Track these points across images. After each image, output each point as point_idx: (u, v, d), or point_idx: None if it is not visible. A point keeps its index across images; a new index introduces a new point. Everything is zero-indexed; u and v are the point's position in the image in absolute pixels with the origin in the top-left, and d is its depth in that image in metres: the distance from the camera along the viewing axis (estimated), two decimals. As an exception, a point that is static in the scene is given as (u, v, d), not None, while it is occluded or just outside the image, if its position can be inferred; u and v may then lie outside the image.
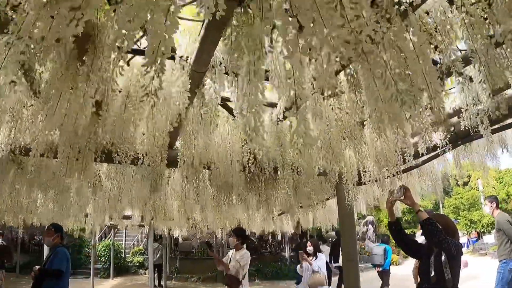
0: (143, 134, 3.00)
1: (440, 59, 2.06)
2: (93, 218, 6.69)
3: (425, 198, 27.58)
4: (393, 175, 3.26)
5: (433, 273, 2.96)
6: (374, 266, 10.10)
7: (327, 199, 4.76)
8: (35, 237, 18.75)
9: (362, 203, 5.62)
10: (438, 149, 2.84)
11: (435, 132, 2.86)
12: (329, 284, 7.46)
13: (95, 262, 18.31)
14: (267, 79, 1.81)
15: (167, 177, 4.24)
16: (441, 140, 2.80)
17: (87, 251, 19.66)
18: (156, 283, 14.91)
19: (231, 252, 6.28)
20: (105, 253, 18.71)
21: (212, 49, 1.82)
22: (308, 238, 11.96)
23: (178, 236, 10.46)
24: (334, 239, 13.80)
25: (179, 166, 2.72)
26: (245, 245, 6.37)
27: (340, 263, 12.40)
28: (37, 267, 4.97)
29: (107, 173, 4.01)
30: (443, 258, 2.92)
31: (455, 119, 2.80)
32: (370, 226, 17.61)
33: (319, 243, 7.26)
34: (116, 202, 4.85)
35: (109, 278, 17.17)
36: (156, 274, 15.16)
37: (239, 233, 6.37)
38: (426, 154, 2.91)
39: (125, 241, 21.73)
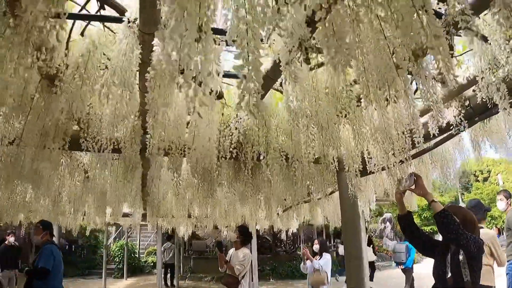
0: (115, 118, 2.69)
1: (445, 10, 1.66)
2: (88, 216, 6.41)
3: (444, 193, 26.77)
4: (401, 162, 2.83)
5: (449, 274, 2.53)
6: (397, 264, 10.10)
7: (332, 193, 4.34)
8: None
9: (372, 197, 5.16)
10: (452, 128, 2.39)
11: (447, 108, 2.43)
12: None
13: (110, 262, 18.48)
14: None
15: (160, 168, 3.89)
16: (455, 117, 2.36)
17: (102, 252, 19.77)
18: (169, 283, 14.75)
19: (231, 251, 6.01)
20: (119, 253, 18.71)
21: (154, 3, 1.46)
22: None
23: (184, 234, 10.19)
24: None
25: (148, 152, 2.36)
26: (249, 244, 6.16)
27: (370, 258, 12.43)
28: (26, 268, 4.88)
29: (91, 165, 3.70)
30: (461, 257, 2.50)
31: (470, 91, 2.36)
32: (387, 223, 17.03)
33: (327, 244, 6.89)
34: (108, 198, 4.63)
35: (123, 278, 17.07)
36: (168, 274, 15.04)
37: (243, 231, 6.11)
38: (438, 135, 2.47)
39: (139, 241, 21.72)
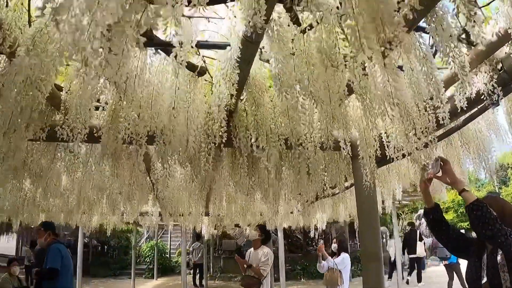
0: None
1: None
2: (108, 216, 6.30)
3: (481, 188, 25.12)
4: (426, 145, 2.41)
5: (485, 279, 2.09)
6: (441, 259, 9.66)
7: (352, 186, 3.92)
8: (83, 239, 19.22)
9: (398, 189, 4.70)
10: (484, 98, 1.95)
11: (476, 74, 1.98)
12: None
13: (141, 263, 18.68)
14: None
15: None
16: (486, 84, 1.92)
17: (135, 252, 20.03)
18: (197, 283, 14.65)
19: (249, 252, 5.75)
20: (150, 253, 18.85)
21: None
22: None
23: (204, 234, 10.00)
24: (408, 230, 13.12)
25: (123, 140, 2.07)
26: (268, 243, 5.91)
27: (416, 254, 11.88)
28: (36, 269, 4.83)
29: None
30: (499, 257, 2.06)
31: (502, 51, 1.91)
32: (423, 220, 16.15)
33: (347, 243, 6.50)
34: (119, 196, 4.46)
35: (154, 278, 17.16)
36: (198, 275, 14.97)
37: (264, 229, 5.88)
38: (467, 108, 2.04)
39: (170, 241, 21.81)
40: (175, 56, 1.87)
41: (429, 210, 2.46)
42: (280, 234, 9.50)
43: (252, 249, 5.85)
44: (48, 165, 3.55)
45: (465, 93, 1.96)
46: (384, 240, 17.13)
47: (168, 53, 1.95)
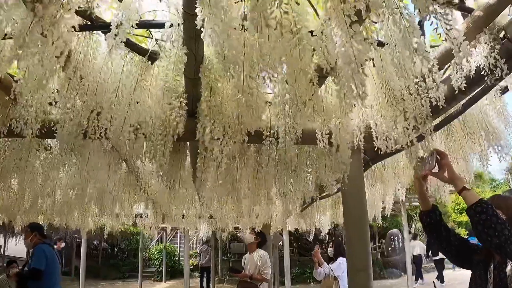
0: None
1: None
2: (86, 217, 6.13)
3: (496, 189, 23.67)
4: (421, 138, 2.07)
5: (491, 293, 1.73)
6: None
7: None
8: (93, 242, 19.26)
9: (401, 189, 4.31)
10: (485, 74, 1.59)
11: (474, 47, 1.62)
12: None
13: (150, 265, 18.60)
14: None
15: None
16: (486, 57, 1.56)
17: (145, 255, 19.99)
18: (205, 286, 14.41)
19: (245, 258, 5.53)
20: (159, 256, 18.74)
21: None
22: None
23: (202, 236, 9.75)
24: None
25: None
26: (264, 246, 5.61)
27: (440, 255, 11.49)
28: (15, 270, 4.78)
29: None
30: (508, 269, 1.70)
31: (504, 16, 1.55)
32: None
33: (343, 246, 6.15)
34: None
35: (162, 281, 17.03)
36: (205, 277, 14.74)
37: (261, 233, 5.60)
38: (466, 88, 1.68)
39: (179, 244, 21.62)
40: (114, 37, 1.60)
41: (425, 213, 2.08)
42: (286, 237, 9.18)
43: (247, 253, 5.57)
44: (37, 164, 3.40)
45: (463, 71, 1.61)
46: (396, 242, 16.66)
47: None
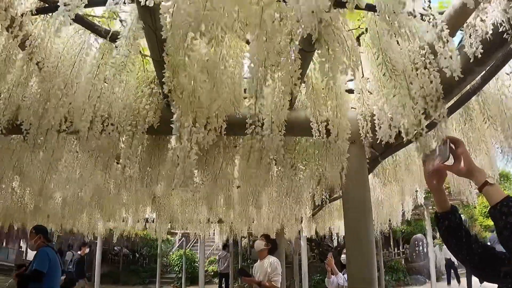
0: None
1: None
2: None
3: None
4: (433, 124, 1.76)
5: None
6: None
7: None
8: (114, 248, 19.38)
9: (417, 190, 3.91)
10: (506, 34, 1.27)
11: (489, 1, 1.30)
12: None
13: (170, 272, 18.53)
14: None
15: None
16: (505, 10, 1.23)
17: (165, 261, 19.96)
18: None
19: (255, 266, 5.34)
20: (179, 262, 18.68)
21: None
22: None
23: (217, 242, 9.52)
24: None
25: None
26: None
27: None
28: (17, 271, 4.76)
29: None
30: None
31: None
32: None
33: None
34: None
35: (181, 287, 16.89)
36: (223, 284, 14.52)
37: (271, 239, 5.34)
38: (483, 55, 1.36)
39: (199, 250, 21.46)
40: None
41: (443, 215, 1.69)
42: (303, 243, 8.82)
43: (258, 261, 5.30)
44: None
45: (477, 32, 1.29)
46: (421, 248, 15.96)
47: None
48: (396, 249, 17.39)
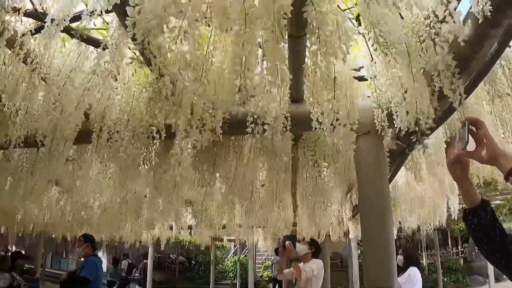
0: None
1: None
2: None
3: None
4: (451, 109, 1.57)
5: None
6: None
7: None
8: (170, 255, 19.96)
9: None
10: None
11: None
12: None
13: (225, 278, 18.75)
14: None
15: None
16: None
17: (221, 267, 20.24)
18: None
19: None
20: (233, 268, 18.85)
21: None
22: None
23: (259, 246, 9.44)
24: None
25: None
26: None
27: None
28: (70, 271, 5.38)
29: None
30: None
31: None
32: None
33: (416, 254, 5.34)
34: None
35: (237, 293, 17.05)
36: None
37: (315, 242, 5.23)
38: (495, 13, 1.18)
39: (254, 256, 21.54)
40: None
41: (471, 211, 1.47)
42: (353, 244, 8.48)
43: (302, 263, 5.17)
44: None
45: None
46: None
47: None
48: (454, 249, 16.36)
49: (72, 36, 1.80)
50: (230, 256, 21.47)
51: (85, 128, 1.99)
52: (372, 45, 1.37)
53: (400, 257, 4.90)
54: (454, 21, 1.23)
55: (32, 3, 1.63)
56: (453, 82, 1.47)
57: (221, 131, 1.68)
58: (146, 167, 2.23)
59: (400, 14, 1.48)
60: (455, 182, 1.57)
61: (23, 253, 7.30)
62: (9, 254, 8.58)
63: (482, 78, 1.58)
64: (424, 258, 15.59)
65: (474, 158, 1.38)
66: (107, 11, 1.45)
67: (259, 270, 20.62)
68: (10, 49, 1.79)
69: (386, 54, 1.37)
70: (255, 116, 1.77)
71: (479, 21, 1.18)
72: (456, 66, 1.40)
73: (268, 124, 1.65)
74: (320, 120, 1.72)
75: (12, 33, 1.69)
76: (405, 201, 4.38)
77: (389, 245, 1.76)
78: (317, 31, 1.34)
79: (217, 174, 2.84)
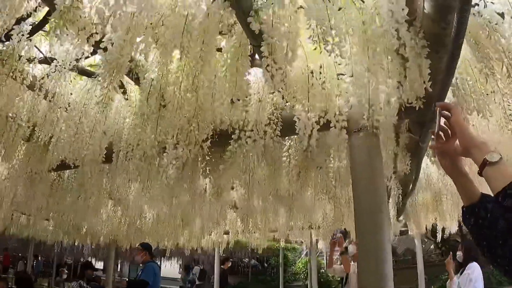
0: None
1: None
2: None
3: None
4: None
5: None
6: None
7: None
8: (242, 259, 20.47)
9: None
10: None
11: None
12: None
13: (296, 279, 18.77)
14: None
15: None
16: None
17: (292, 269, 20.31)
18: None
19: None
20: (304, 270, 18.85)
21: None
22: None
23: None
24: None
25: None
26: None
27: None
28: (127, 279, 5.63)
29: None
30: None
31: None
32: None
33: (476, 247, 4.83)
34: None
35: (310, 295, 16.95)
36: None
37: None
38: None
39: (326, 257, 21.33)
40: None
41: (468, 208, 1.28)
42: (418, 243, 8.07)
43: (352, 262, 5.10)
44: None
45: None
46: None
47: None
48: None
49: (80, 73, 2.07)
50: (302, 258, 21.44)
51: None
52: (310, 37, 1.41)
53: (460, 253, 4.52)
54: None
55: (41, 51, 1.90)
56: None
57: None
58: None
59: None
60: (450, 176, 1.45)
61: (92, 263, 8.04)
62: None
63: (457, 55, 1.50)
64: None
65: (449, 150, 1.27)
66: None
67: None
68: (32, 90, 2.10)
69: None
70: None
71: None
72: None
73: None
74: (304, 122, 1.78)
75: (31, 78, 2.00)
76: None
77: (383, 245, 1.74)
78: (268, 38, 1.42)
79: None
